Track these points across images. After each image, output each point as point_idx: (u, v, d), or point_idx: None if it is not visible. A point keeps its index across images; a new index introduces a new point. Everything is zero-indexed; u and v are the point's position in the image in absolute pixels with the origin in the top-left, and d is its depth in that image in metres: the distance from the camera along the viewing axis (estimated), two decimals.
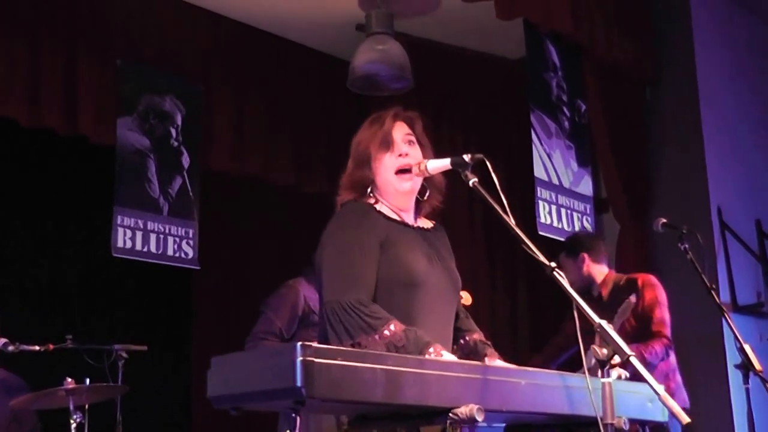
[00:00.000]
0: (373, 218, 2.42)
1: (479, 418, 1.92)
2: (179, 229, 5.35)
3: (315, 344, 1.78)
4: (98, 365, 4.23)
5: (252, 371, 1.83)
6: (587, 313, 2.02)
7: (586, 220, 5.09)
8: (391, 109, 2.55)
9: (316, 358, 1.75)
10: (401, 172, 2.46)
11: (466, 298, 3.42)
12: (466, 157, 2.33)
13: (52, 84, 4.90)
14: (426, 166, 2.44)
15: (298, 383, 1.73)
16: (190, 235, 5.38)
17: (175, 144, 5.41)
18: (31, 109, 4.84)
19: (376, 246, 2.36)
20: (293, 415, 3.76)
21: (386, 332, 2.19)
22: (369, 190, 2.48)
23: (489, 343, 2.57)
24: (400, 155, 2.46)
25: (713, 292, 3.44)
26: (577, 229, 4.98)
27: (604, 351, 1.98)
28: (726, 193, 5.32)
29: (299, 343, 1.75)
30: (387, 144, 2.46)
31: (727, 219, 5.22)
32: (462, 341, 2.56)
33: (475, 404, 1.92)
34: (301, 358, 1.74)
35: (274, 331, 3.79)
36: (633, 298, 3.99)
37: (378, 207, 2.47)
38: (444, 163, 2.41)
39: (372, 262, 2.34)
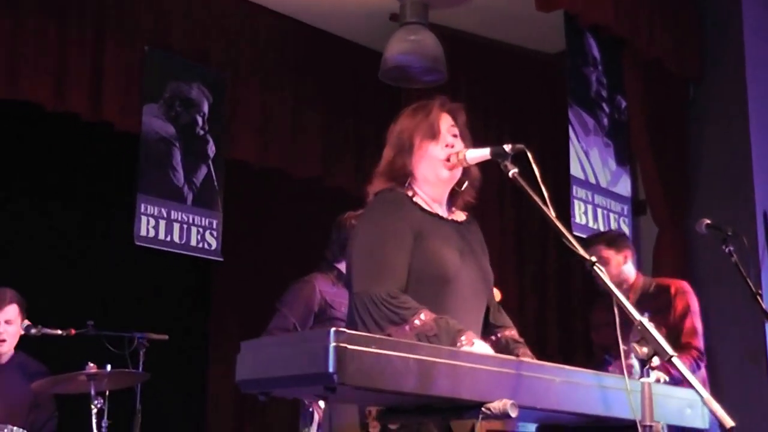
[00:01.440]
0: (408, 209, 2.44)
1: (513, 413, 1.92)
2: (203, 219, 5.40)
3: (348, 330, 1.80)
4: (119, 352, 4.30)
5: (282, 356, 1.85)
6: (628, 310, 2.02)
7: (623, 221, 5.07)
8: (437, 98, 2.57)
9: (349, 344, 1.77)
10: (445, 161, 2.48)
11: (495, 294, 3.41)
12: (507, 148, 2.34)
13: (78, 69, 4.98)
14: (465, 155, 2.45)
15: (330, 369, 1.75)
16: (214, 226, 5.44)
17: (201, 132, 5.46)
18: (57, 93, 4.94)
19: (410, 237, 2.38)
20: (310, 409, 3.80)
21: (416, 322, 2.21)
22: (407, 180, 2.49)
23: (522, 341, 2.58)
24: (447, 145, 2.48)
25: (759, 298, 3.42)
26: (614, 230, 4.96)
27: (644, 350, 1.98)
28: None
29: (333, 329, 1.77)
30: (433, 134, 2.48)
31: None
32: (494, 338, 2.57)
33: (508, 399, 1.93)
34: (334, 344, 1.76)
35: (288, 327, 3.83)
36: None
37: (414, 198, 2.48)
38: (483, 153, 2.42)
39: (404, 253, 2.36)
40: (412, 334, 2.19)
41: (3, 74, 4.79)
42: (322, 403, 3.80)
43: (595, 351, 4.45)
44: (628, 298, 4.10)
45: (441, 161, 2.47)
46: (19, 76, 4.83)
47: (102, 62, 5.05)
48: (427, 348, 1.93)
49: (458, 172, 2.52)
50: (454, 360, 1.93)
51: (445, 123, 2.52)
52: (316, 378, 1.80)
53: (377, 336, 1.92)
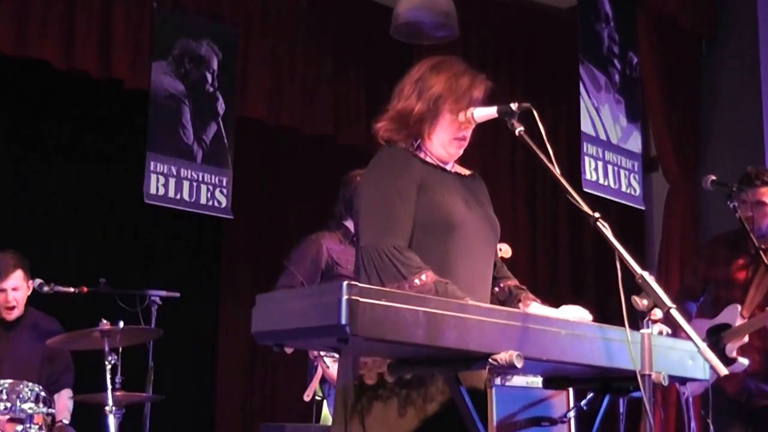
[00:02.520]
0: (410, 162, 2.49)
1: (518, 364, 2.02)
2: (213, 177, 5.49)
3: (360, 284, 1.90)
4: (131, 309, 4.40)
5: (296, 309, 1.94)
6: (629, 264, 2.11)
7: (634, 177, 5.16)
8: (482, 78, 2.57)
9: (360, 297, 1.86)
10: (457, 139, 2.54)
11: (506, 250, 3.48)
12: (513, 106, 2.41)
13: (87, 26, 5.05)
14: (473, 114, 2.52)
15: (343, 321, 1.84)
16: (224, 184, 5.53)
17: (211, 89, 5.53)
18: (66, 51, 5.01)
19: (414, 190, 2.44)
20: (315, 364, 3.93)
21: (416, 281, 2.27)
22: (417, 140, 2.55)
23: (524, 288, 2.65)
24: (463, 129, 2.53)
25: (762, 253, 3.51)
26: (624, 187, 5.05)
27: (644, 302, 2.07)
28: None
29: (345, 282, 1.86)
30: (462, 111, 2.51)
31: None
32: (497, 288, 2.63)
33: (514, 351, 2.03)
34: (346, 297, 1.85)
35: (295, 285, 3.91)
36: None
37: (416, 152, 2.54)
38: (491, 112, 2.49)
39: (409, 207, 2.42)
40: (411, 293, 2.21)
41: (12, 32, 4.85)
42: (327, 360, 3.93)
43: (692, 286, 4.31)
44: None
45: (452, 137, 2.52)
46: (27, 34, 4.89)
47: (111, 19, 5.12)
48: (436, 301, 2.01)
49: (464, 145, 2.57)
50: (461, 313, 2.01)
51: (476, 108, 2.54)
52: (329, 330, 1.89)
53: (387, 289, 2.01)
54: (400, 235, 2.38)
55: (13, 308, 4.50)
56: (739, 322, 3.92)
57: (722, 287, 4.13)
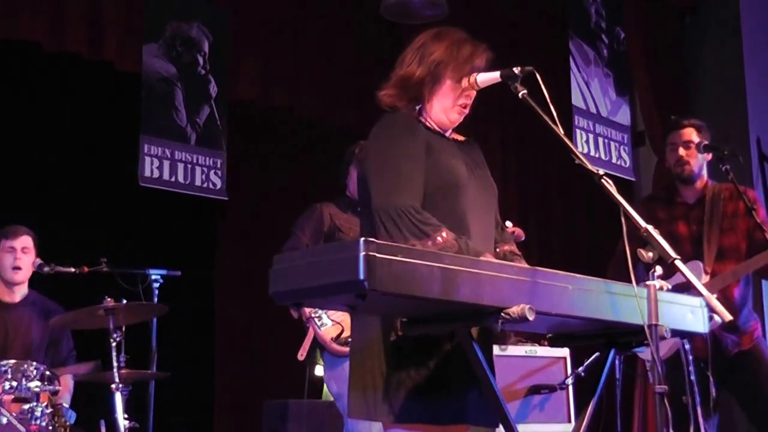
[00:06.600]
0: (415, 126, 2.54)
1: (530, 317, 2.07)
2: (207, 159, 5.51)
3: (377, 240, 1.94)
4: (132, 289, 4.40)
5: (314, 266, 1.98)
6: (634, 218, 2.17)
7: (624, 149, 5.23)
8: (484, 48, 2.64)
9: (378, 253, 1.91)
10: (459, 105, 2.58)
11: (519, 233, 3.52)
12: (516, 70, 2.48)
13: (77, 8, 5.03)
14: (476, 79, 2.56)
15: (361, 276, 1.88)
16: (218, 165, 5.55)
17: (202, 72, 5.55)
18: (56, 33, 4.98)
19: (422, 151, 2.48)
20: (307, 325, 3.99)
21: (439, 239, 2.32)
22: (419, 105, 2.60)
23: (519, 254, 2.71)
24: (465, 96, 2.58)
25: (753, 212, 3.58)
26: (614, 159, 5.13)
27: (650, 254, 2.14)
28: (766, 124, 5.43)
29: (362, 239, 1.91)
30: (462, 79, 2.56)
31: (766, 150, 5.34)
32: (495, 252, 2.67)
33: (526, 305, 2.08)
34: (363, 253, 1.89)
35: (301, 247, 4.00)
36: None
37: (419, 118, 2.59)
38: (494, 76, 2.54)
39: (419, 167, 2.46)
40: (435, 250, 2.27)
41: (1, 14, 4.81)
42: (317, 320, 3.99)
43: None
44: (702, 202, 3.88)
45: (455, 104, 2.57)
46: (16, 15, 4.86)
47: (101, 1, 5.10)
48: (451, 257, 2.06)
49: (465, 113, 2.61)
50: (475, 268, 2.06)
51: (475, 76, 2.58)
52: (347, 286, 1.93)
53: (403, 246, 2.06)
54: (414, 194, 2.42)
55: (19, 269, 4.46)
56: (704, 279, 3.80)
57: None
